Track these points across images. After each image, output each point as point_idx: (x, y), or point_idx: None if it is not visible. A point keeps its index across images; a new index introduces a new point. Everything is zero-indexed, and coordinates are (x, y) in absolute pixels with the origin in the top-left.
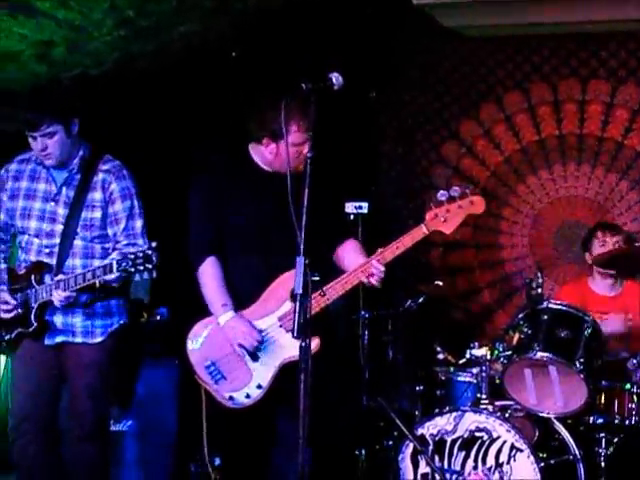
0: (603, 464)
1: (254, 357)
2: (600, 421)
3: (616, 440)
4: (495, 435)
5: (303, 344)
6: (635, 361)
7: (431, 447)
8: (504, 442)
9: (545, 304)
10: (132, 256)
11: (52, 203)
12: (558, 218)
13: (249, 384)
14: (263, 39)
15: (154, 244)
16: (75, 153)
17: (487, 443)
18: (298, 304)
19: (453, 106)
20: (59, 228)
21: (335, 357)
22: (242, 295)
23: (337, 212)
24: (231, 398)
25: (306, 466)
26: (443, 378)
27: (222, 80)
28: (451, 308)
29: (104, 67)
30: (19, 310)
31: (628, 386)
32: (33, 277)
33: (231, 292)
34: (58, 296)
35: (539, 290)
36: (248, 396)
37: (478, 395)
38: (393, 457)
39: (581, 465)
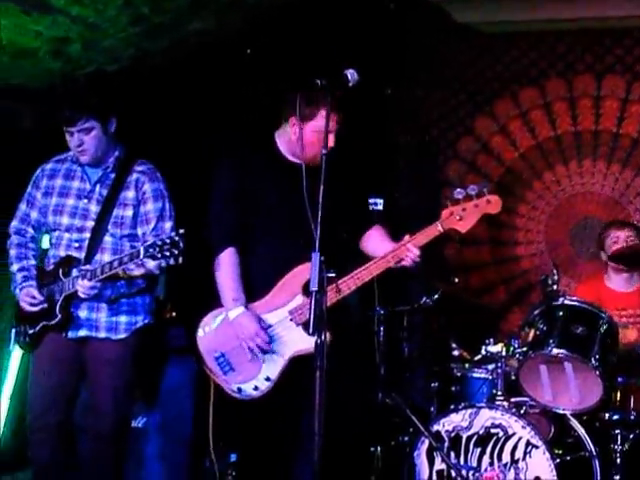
0: (619, 460)
1: (264, 350)
2: (616, 417)
3: (632, 436)
4: (511, 431)
5: (318, 341)
6: None
7: (447, 444)
8: (520, 438)
9: (561, 300)
10: (160, 242)
11: (85, 200)
12: (574, 214)
13: (257, 376)
14: (277, 35)
15: (181, 231)
16: (111, 152)
17: (503, 439)
18: (314, 301)
19: (468, 102)
20: (90, 224)
21: (349, 353)
22: (259, 284)
23: (360, 202)
24: (239, 390)
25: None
26: (458, 374)
27: (237, 76)
28: (466, 304)
29: (119, 64)
30: (44, 305)
31: None
32: (61, 271)
33: (248, 280)
34: (83, 286)
35: (555, 286)
36: (256, 388)
37: (493, 391)
38: (408, 453)
39: (597, 461)
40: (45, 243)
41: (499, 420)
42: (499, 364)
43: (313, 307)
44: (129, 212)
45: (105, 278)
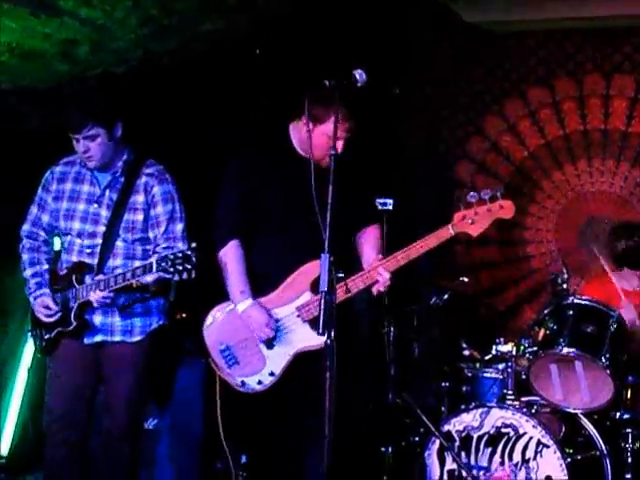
0: (630, 459)
1: (269, 345)
2: (626, 416)
3: None
4: (521, 431)
5: (328, 342)
6: None
7: (457, 443)
8: (530, 438)
9: (571, 299)
10: (172, 256)
11: (95, 205)
12: (583, 213)
13: (262, 371)
14: (285, 35)
15: (194, 245)
16: (119, 156)
17: (513, 439)
18: (323, 302)
19: (477, 102)
20: (101, 229)
21: (358, 352)
22: (264, 278)
23: (366, 202)
24: (242, 383)
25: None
26: (469, 374)
27: (246, 77)
28: (476, 304)
29: (128, 65)
30: (59, 313)
31: None
32: (74, 277)
33: (253, 274)
34: (96, 296)
35: (564, 285)
36: (260, 382)
37: (504, 391)
38: (419, 454)
39: (607, 460)
40: (57, 245)
41: (510, 420)
42: (509, 364)
43: (323, 308)
44: (140, 216)
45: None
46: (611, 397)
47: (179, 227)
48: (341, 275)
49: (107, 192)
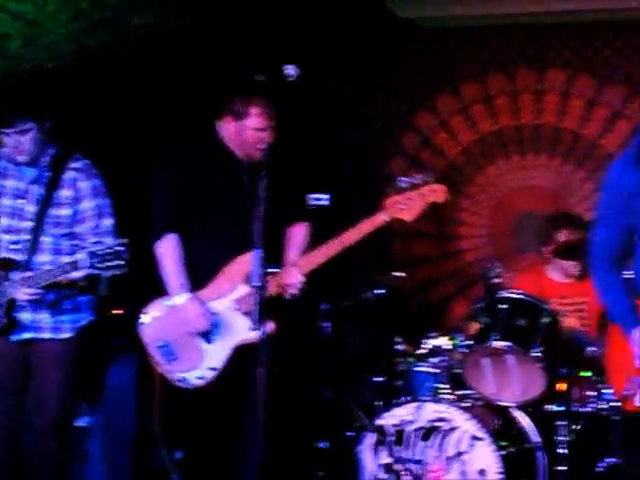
0: (563, 451)
1: (208, 339)
2: (559, 409)
3: (576, 427)
4: (455, 424)
5: (261, 337)
6: (594, 348)
7: (392, 438)
8: (464, 431)
9: (503, 293)
10: (101, 252)
11: (21, 200)
12: (516, 208)
13: (201, 365)
14: (218, 30)
15: (124, 240)
16: (46, 150)
17: (447, 432)
18: (256, 297)
19: (410, 97)
20: (28, 225)
21: (293, 347)
22: (198, 273)
23: (292, 195)
24: (183, 379)
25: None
26: (403, 369)
27: (178, 72)
28: (411, 299)
29: (61, 60)
30: None
31: (587, 373)
32: (1, 274)
33: (189, 270)
34: (24, 294)
35: (497, 279)
36: (201, 377)
37: (438, 385)
38: (354, 448)
39: (541, 453)
40: None
41: (443, 413)
42: (443, 358)
43: (255, 303)
44: (67, 211)
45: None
46: (544, 390)
47: (108, 222)
48: (274, 270)
49: (33, 187)
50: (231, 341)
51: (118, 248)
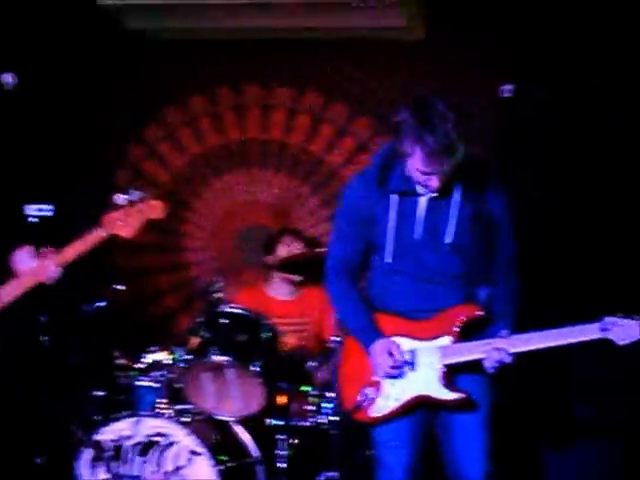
0: (282, 465)
1: None
2: (279, 423)
3: (295, 441)
4: (174, 439)
5: None
6: (314, 363)
7: (110, 453)
8: (183, 446)
9: (224, 308)
10: None
11: None
12: (241, 222)
13: None
14: None
15: None
16: None
17: (166, 447)
18: None
19: (138, 109)
20: None
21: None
22: None
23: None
24: None
25: None
26: (124, 383)
27: None
28: (134, 312)
29: None
30: None
31: (306, 388)
32: None
33: None
34: None
35: (218, 294)
36: None
37: (158, 400)
38: (71, 464)
39: (261, 467)
40: None
41: (162, 428)
42: (163, 372)
43: None
44: None
45: None
46: (262, 404)
47: None
48: None
49: None
50: None
51: None
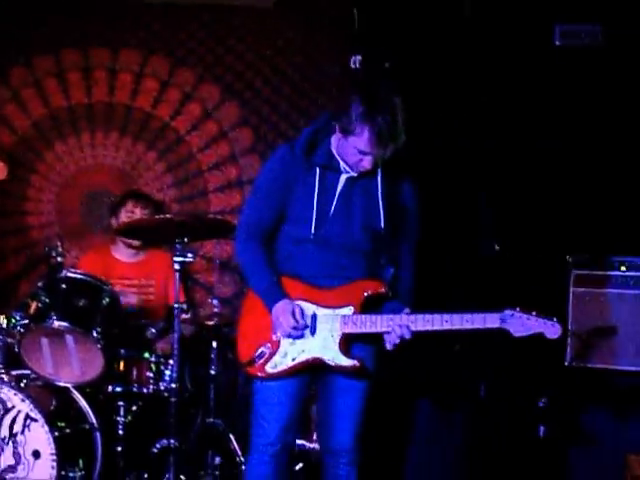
0: (121, 432)
1: None
2: (118, 389)
3: (134, 408)
4: (10, 405)
5: None
6: (154, 330)
7: None
8: (19, 412)
9: (64, 273)
10: None
11: None
12: (85, 186)
13: None
14: None
15: None
16: None
17: (1, 413)
18: None
19: None
20: None
21: None
22: None
23: None
24: None
25: None
26: None
27: None
28: None
29: None
30: None
31: (147, 355)
32: None
33: None
34: None
35: (59, 259)
36: None
37: None
38: None
39: (98, 433)
40: None
41: None
42: (1, 336)
43: None
44: None
45: None
46: (102, 370)
47: None
48: None
49: None
50: None
51: None
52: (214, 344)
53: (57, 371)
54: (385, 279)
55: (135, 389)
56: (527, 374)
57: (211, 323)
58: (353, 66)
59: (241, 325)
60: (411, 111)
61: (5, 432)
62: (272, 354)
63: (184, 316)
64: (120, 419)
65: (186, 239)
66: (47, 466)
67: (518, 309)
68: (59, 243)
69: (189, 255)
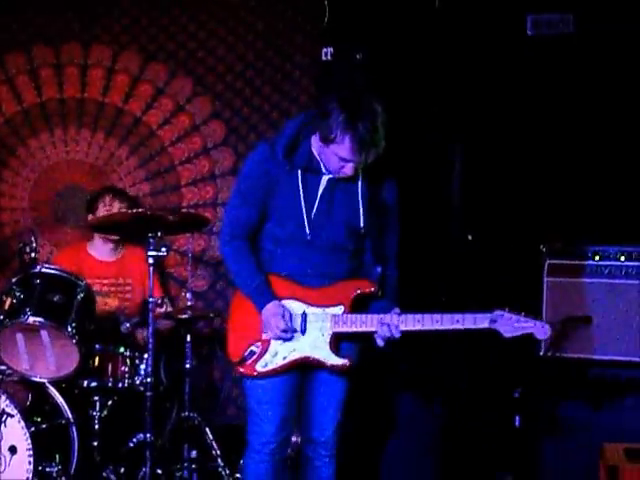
0: (96, 427)
1: None
2: (94, 384)
3: (109, 402)
4: None
5: None
6: (128, 325)
7: None
8: None
9: (38, 268)
10: None
11: None
12: (58, 182)
13: None
14: None
15: None
16: None
17: None
18: None
19: None
20: None
21: None
22: None
23: None
24: None
25: None
26: None
27: None
28: None
29: None
30: None
31: (122, 349)
32: None
33: None
34: None
35: (33, 254)
36: None
37: None
38: None
39: (74, 428)
40: None
41: None
42: None
43: None
44: None
45: None
46: (77, 365)
47: None
48: None
49: None
50: None
51: None
52: (188, 338)
53: (32, 366)
54: (373, 278)
55: (110, 384)
56: (502, 365)
57: (185, 317)
58: (325, 58)
59: (230, 324)
60: (383, 103)
61: None
62: (262, 353)
63: (160, 310)
64: (96, 414)
65: (159, 233)
66: (24, 461)
67: (507, 309)
68: (32, 239)
69: (163, 249)
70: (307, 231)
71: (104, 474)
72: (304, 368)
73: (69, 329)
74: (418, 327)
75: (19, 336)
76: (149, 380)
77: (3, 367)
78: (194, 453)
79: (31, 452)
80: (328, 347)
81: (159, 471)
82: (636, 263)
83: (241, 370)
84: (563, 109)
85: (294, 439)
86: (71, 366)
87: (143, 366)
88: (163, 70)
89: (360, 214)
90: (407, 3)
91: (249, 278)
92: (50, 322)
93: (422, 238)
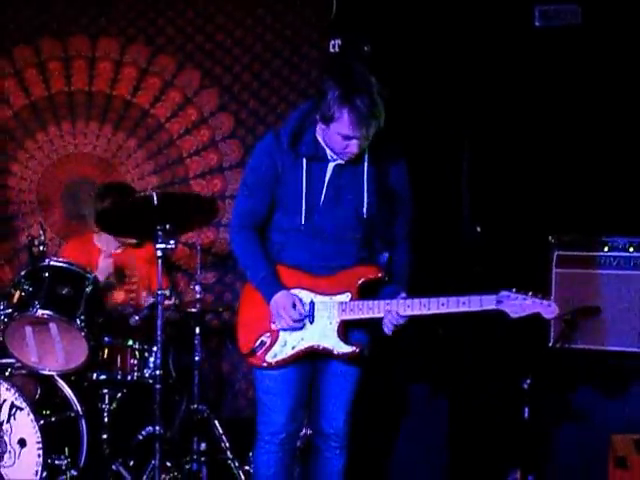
0: (106, 420)
1: None
2: (103, 377)
3: (118, 395)
4: None
5: None
6: (137, 317)
7: None
8: (4, 401)
9: (47, 261)
10: None
11: None
12: (66, 175)
13: None
14: None
15: None
16: None
17: None
18: None
19: None
20: None
21: None
22: None
23: None
24: None
25: None
26: None
27: None
28: None
29: None
30: None
31: (130, 342)
32: None
33: None
34: None
35: (41, 247)
36: None
37: None
38: None
39: (83, 421)
40: None
41: None
42: None
43: None
44: None
45: None
46: (86, 358)
47: None
48: None
49: None
50: None
51: None
52: (197, 330)
53: (41, 359)
54: (380, 264)
55: (119, 376)
56: (511, 356)
57: (194, 310)
58: (333, 50)
59: (240, 316)
60: (390, 95)
61: None
62: (272, 343)
63: (168, 302)
64: (105, 406)
65: (168, 226)
66: (33, 454)
67: (514, 290)
68: (41, 232)
69: (171, 242)
70: (302, 221)
71: (113, 467)
72: (315, 358)
73: (78, 322)
74: (425, 311)
75: (28, 329)
76: (158, 373)
77: (12, 360)
78: (203, 445)
79: (40, 445)
80: (336, 335)
81: (168, 464)
82: None
83: (252, 361)
84: (571, 100)
85: (303, 431)
86: (80, 359)
87: (152, 359)
88: (171, 63)
89: (364, 200)
90: None
91: (257, 269)
92: (59, 315)
93: (431, 230)
